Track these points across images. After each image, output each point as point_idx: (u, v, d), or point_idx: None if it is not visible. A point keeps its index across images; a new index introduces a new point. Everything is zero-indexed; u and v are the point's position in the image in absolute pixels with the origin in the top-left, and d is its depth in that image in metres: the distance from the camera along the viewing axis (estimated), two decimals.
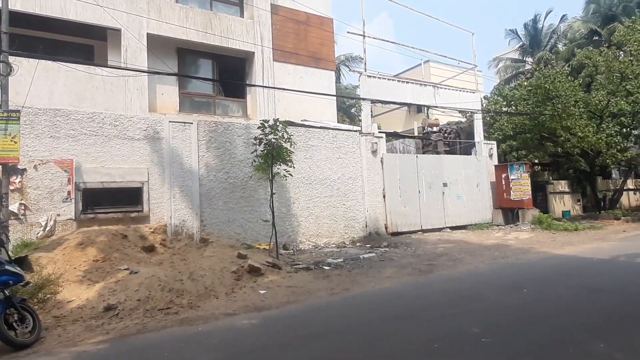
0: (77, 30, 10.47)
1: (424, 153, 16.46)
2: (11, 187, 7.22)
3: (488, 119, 17.01)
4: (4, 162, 6.43)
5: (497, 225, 14.18)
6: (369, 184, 12.16)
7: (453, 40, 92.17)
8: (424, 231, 12.86)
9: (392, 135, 16.30)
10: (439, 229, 13.25)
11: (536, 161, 17.47)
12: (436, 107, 14.74)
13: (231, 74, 12.78)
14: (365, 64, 13.16)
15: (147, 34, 10.71)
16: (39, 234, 7.72)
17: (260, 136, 8.66)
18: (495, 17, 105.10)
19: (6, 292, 4.41)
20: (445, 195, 13.69)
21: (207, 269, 6.94)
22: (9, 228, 6.90)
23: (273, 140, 8.65)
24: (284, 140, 8.74)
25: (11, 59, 6.93)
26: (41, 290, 5.62)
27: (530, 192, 14.48)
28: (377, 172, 12.36)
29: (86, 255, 6.87)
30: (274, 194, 9.03)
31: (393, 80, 14.41)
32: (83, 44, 11.28)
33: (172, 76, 11.09)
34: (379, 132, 13.06)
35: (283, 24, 12.92)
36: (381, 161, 12.49)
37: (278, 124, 8.77)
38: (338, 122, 14.84)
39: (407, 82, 14.72)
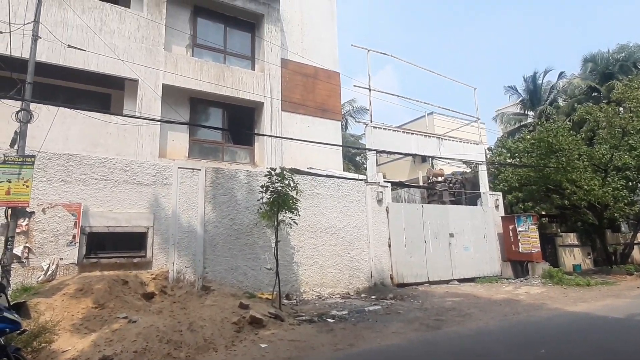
0: (96, 80, 10.99)
1: (429, 203, 16.44)
2: (17, 230, 7.23)
3: (493, 170, 17.14)
4: (14, 206, 6.51)
5: (507, 279, 13.78)
6: (375, 233, 12.04)
7: (456, 92, 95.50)
8: (430, 283, 12.51)
9: (397, 185, 16.43)
10: (447, 281, 12.90)
11: (543, 213, 17.32)
12: (441, 158, 14.94)
13: (240, 122, 13.18)
14: (370, 115, 13.57)
15: (163, 84, 11.21)
16: (39, 278, 7.62)
17: (267, 184, 8.75)
18: (496, 72, 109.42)
19: (1, 340, 4.28)
20: (452, 246, 13.47)
21: (208, 319, 6.74)
22: (11, 272, 6.82)
23: (279, 188, 8.73)
24: (290, 188, 8.82)
25: (32, 105, 7.23)
26: (36, 339, 5.45)
27: (539, 244, 14.22)
28: (383, 221, 12.29)
29: (85, 302, 6.72)
30: (279, 241, 8.95)
31: (398, 131, 14.78)
32: (101, 92, 11.80)
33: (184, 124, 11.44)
34: (385, 181, 13.16)
35: (292, 77, 13.53)
36: (387, 210, 12.46)
37: (285, 172, 8.90)
38: (344, 170, 15.03)
39: (411, 133, 15.05)
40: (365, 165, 19.73)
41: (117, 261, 8.62)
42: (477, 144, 16.11)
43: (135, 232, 8.90)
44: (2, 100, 6.86)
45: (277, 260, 8.73)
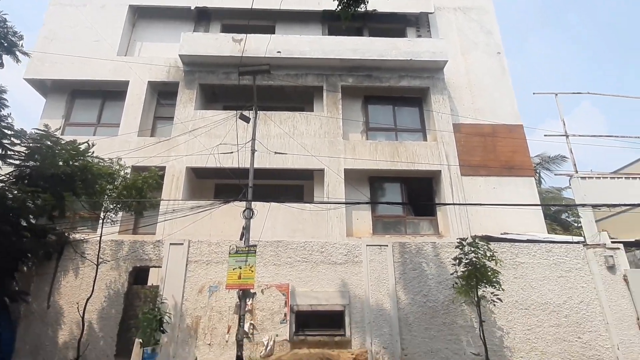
0: (291, 175, 12.93)
1: None
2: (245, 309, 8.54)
3: None
4: (244, 288, 7.80)
5: None
6: (613, 311, 9.30)
7: None
8: None
9: (634, 245, 12.73)
10: None
11: None
12: None
13: (419, 194, 13.03)
14: (574, 165, 11.45)
15: (345, 169, 12.31)
16: (262, 353, 8.62)
17: (460, 255, 8.07)
18: None
19: None
20: None
21: None
22: (243, 346, 7.93)
23: (474, 259, 7.91)
24: (486, 258, 7.88)
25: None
26: None
27: None
28: (623, 295, 9.45)
29: None
30: (483, 321, 7.84)
31: (617, 177, 11.88)
32: (295, 184, 13.75)
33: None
34: (613, 241, 10.39)
35: (467, 140, 12.92)
36: (625, 279, 9.61)
37: (477, 241, 8.08)
38: (548, 232, 12.70)
39: (637, 178, 11.85)
40: (576, 224, 16.31)
41: (320, 339, 9.06)
42: None
43: (333, 310, 9.32)
44: (234, 203, 8.72)
45: (484, 343, 7.60)
